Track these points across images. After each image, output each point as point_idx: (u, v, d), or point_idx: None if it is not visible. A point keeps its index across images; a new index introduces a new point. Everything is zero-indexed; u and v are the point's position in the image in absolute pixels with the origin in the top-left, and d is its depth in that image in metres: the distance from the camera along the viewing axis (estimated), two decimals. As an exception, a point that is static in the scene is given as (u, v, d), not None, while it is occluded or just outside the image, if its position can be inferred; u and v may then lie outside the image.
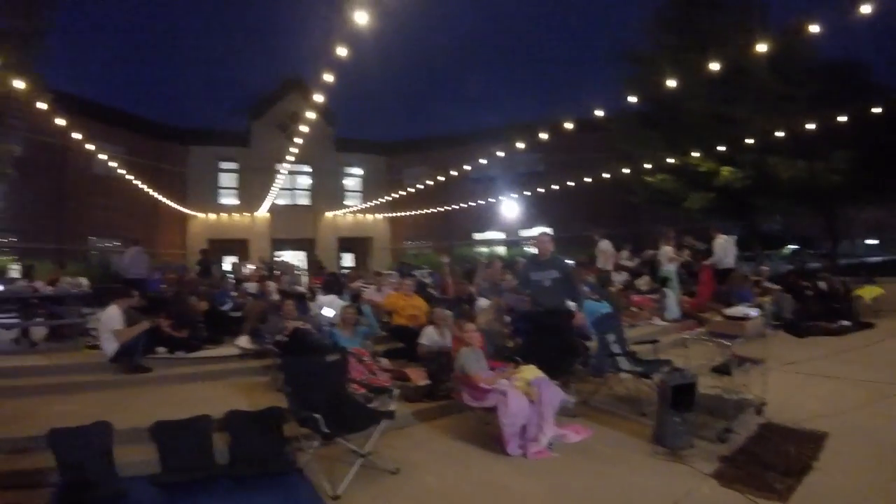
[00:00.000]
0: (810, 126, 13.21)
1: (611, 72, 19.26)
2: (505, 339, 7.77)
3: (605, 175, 18.01)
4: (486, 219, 26.47)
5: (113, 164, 15.14)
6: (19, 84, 9.15)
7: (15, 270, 15.05)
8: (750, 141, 14.62)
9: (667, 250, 12.02)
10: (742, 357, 5.75)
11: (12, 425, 5.28)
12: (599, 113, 11.76)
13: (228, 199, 27.22)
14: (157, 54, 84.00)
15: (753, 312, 6.10)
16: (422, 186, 20.57)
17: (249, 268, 16.67)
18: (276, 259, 22.20)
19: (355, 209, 28.02)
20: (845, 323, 10.47)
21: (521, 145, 13.89)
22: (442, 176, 19.03)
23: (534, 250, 7.22)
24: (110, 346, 7.16)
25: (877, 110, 12.46)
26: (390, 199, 24.67)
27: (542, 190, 20.82)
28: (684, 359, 5.93)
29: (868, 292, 11.79)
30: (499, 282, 9.78)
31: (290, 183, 27.43)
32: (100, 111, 20.88)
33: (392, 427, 5.28)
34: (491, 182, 25.89)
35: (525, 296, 7.15)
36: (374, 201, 25.95)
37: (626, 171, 17.85)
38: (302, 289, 12.28)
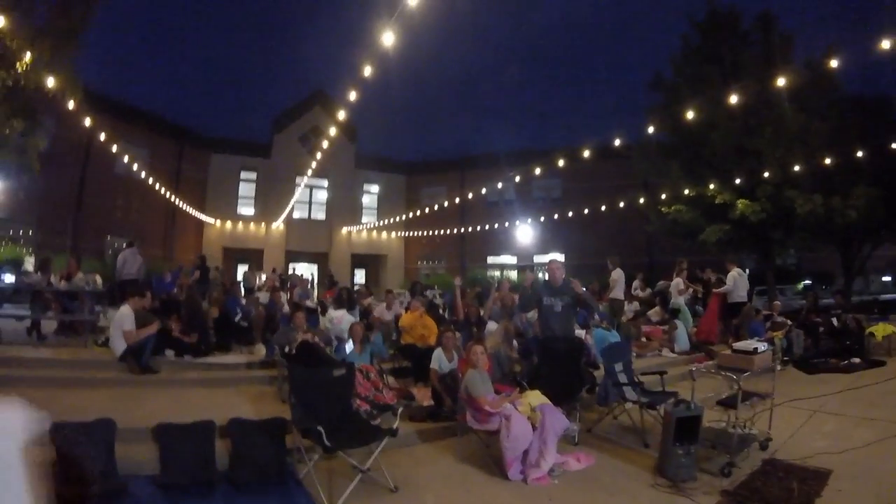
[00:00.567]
0: (829, 161, 13.16)
1: (634, 100, 19.39)
2: (513, 363, 7.75)
3: (622, 203, 18.02)
4: (500, 242, 26.49)
5: (135, 166, 15.35)
6: (52, 81, 9.36)
7: (29, 263, 15.22)
8: (768, 174, 14.59)
9: (678, 282, 11.98)
10: (749, 391, 5.71)
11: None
12: (619, 141, 11.81)
13: (246, 209, 27.50)
14: (188, 60, 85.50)
15: (762, 346, 6.04)
16: (438, 207, 20.65)
17: (262, 277, 16.76)
18: (289, 272, 22.32)
19: (371, 226, 28.14)
20: (856, 360, 10.34)
21: (538, 171, 13.96)
22: (459, 197, 19.11)
23: (546, 276, 7.24)
24: (119, 345, 7.24)
25: (896, 146, 12.36)
26: (406, 218, 24.80)
27: (558, 216, 20.82)
28: (691, 391, 5.89)
29: (881, 330, 11.61)
30: (510, 305, 9.78)
31: (308, 197, 27.66)
32: (126, 111, 21.24)
33: (394, 445, 5.27)
34: (508, 206, 26.00)
35: (528, 320, 7.15)
36: (390, 219, 26.10)
37: (642, 200, 17.85)
38: (312, 303, 12.32)
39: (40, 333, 9.30)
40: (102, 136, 11.91)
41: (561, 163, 12.78)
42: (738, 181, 15.12)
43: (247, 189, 27.80)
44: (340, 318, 9.47)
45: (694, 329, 11.64)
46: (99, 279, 11.27)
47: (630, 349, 7.82)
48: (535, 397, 5.48)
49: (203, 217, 24.75)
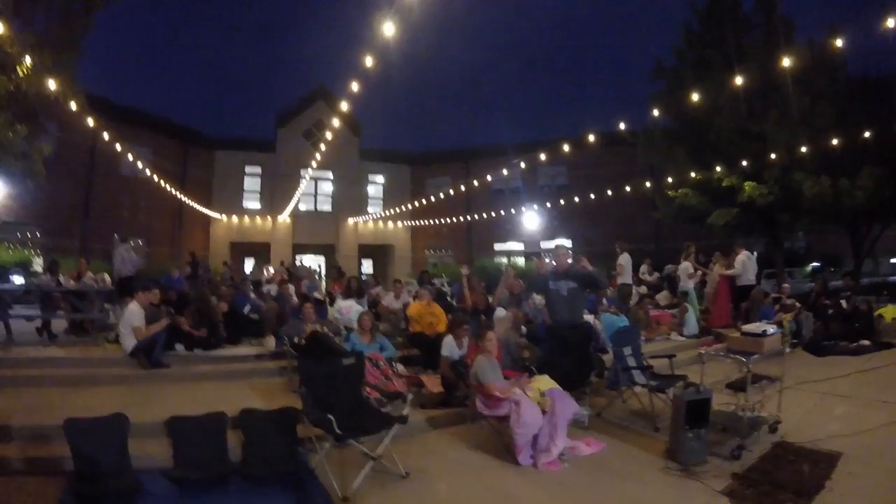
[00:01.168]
0: (836, 142, 13.06)
1: (638, 87, 19.26)
2: (521, 349, 7.76)
3: (628, 189, 17.96)
4: (507, 230, 26.48)
5: (140, 165, 15.42)
6: (53, 86, 9.40)
7: (37, 265, 15.33)
8: (774, 157, 14.49)
9: (687, 266, 11.95)
10: (758, 374, 5.70)
11: (32, 414, 5.39)
12: (624, 128, 11.75)
13: (252, 203, 27.60)
14: (188, 61, 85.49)
15: (772, 329, 6.02)
16: (444, 196, 20.63)
17: (269, 270, 16.82)
18: (296, 264, 22.39)
19: (377, 217, 28.17)
20: (865, 343, 10.29)
21: (543, 158, 13.90)
22: (464, 186, 19.08)
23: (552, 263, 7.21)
24: (129, 341, 7.30)
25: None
26: (412, 208, 24.79)
27: (564, 203, 20.77)
28: (700, 375, 5.90)
29: (890, 312, 11.57)
30: (517, 293, 9.78)
31: (313, 189, 27.71)
32: (129, 113, 21.31)
33: (405, 433, 5.31)
34: (513, 194, 25.94)
35: (537, 306, 7.14)
36: (396, 210, 26.14)
37: (648, 185, 17.77)
38: (320, 295, 12.36)
39: (51, 333, 9.37)
40: (106, 138, 11.93)
41: (566, 149, 12.69)
42: (744, 164, 15.01)
43: (252, 184, 27.88)
44: (349, 308, 9.51)
45: (702, 313, 11.62)
46: (108, 278, 11.34)
47: (639, 333, 7.79)
48: (545, 383, 5.49)
49: (210, 213, 24.84)
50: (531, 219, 24.87)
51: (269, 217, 26.87)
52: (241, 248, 26.36)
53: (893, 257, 22.71)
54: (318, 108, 26.50)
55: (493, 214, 23.61)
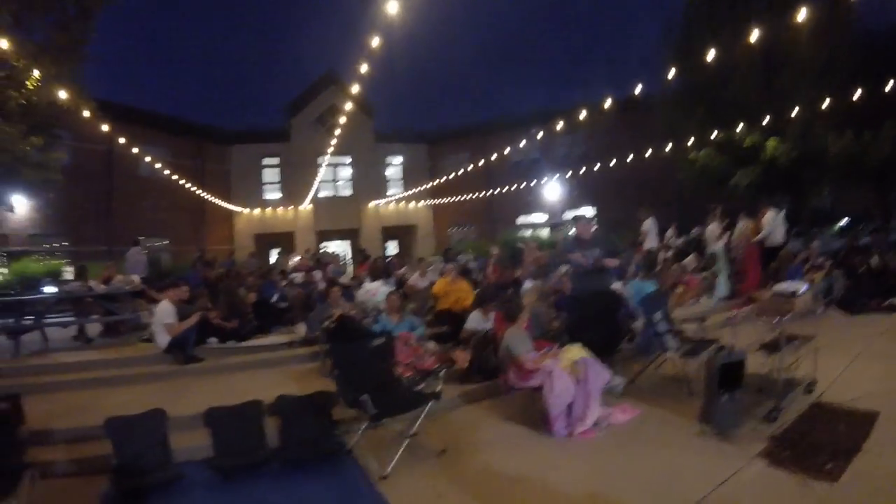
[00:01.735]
0: (857, 96, 12.68)
1: (653, 49, 18.76)
2: (550, 319, 7.76)
3: (649, 152, 17.68)
4: (529, 202, 26.22)
5: (157, 165, 15.59)
6: (62, 95, 9.50)
7: (68, 273, 15.63)
8: (795, 112, 14.16)
9: (714, 227, 11.77)
10: (791, 335, 5.61)
11: (73, 416, 5.53)
12: (641, 91, 11.51)
13: (272, 195, 27.67)
14: (196, 60, 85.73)
15: (803, 288, 5.91)
16: (463, 173, 20.51)
17: (294, 260, 16.95)
18: (321, 251, 22.53)
19: (397, 197, 28.16)
20: (897, 301, 10.05)
21: (561, 125, 13.70)
22: (483, 160, 18.94)
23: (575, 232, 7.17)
24: (163, 338, 7.44)
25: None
26: (432, 186, 24.70)
27: (584, 171, 20.52)
28: (732, 338, 5.83)
29: None
30: (544, 264, 9.76)
31: (332, 175, 27.75)
32: (142, 116, 21.45)
33: (439, 409, 5.38)
34: (533, 165, 25.69)
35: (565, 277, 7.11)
36: (417, 189, 26.07)
37: (668, 148, 17.49)
38: (345, 280, 12.44)
39: (87, 337, 9.57)
40: (122, 142, 12.10)
41: (583, 116, 12.50)
42: (765, 122, 14.69)
43: (271, 175, 27.91)
44: (376, 291, 9.58)
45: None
46: (137, 278, 11.54)
47: (667, 298, 7.70)
48: (576, 352, 5.47)
49: (231, 207, 25.01)
50: (553, 189, 24.58)
51: (290, 206, 26.99)
52: (265, 240, 26.52)
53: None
54: (330, 93, 26.35)
55: (514, 187, 23.44)
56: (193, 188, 19.37)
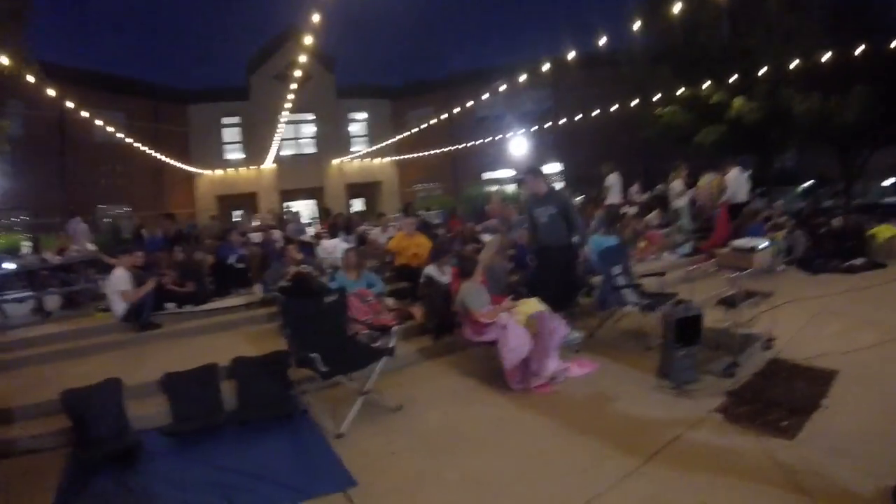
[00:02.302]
0: (825, 59, 12.70)
1: (619, 5, 18.50)
2: (507, 274, 7.73)
3: (614, 108, 17.58)
4: (494, 158, 26.02)
5: (112, 129, 15.02)
6: (3, 61, 9.04)
7: (27, 247, 15.18)
8: (762, 72, 14.16)
9: (677, 184, 11.81)
10: (750, 291, 5.64)
11: (32, 392, 5.37)
12: (607, 47, 11.33)
13: (234, 155, 26.99)
14: (148, 17, 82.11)
15: (762, 245, 5.91)
16: (427, 128, 20.19)
17: (255, 223, 16.65)
18: (285, 210, 22.16)
19: (361, 154, 27.72)
20: (858, 262, 10.25)
21: (524, 79, 13.47)
22: (447, 115, 18.65)
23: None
24: (119, 306, 7.26)
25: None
26: (396, 142, 24.35)
27: (550, 126, 20.40)
28: (691, 293, 5.84)
29: (883, 231, 11.49)
30: (509, 218, 9.71)
31: (295, 133, 27.14)
32: (94, 79, 20.63)
33: (396, 365, 5.38)
34: (498, 120, 25.45)
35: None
36: (380, 145, 25.64)
37: (634, 104, 17.42)
38: (307, 237, 12.24)
39: (45, 311, 9.30)
40: (72, 106, 11.59)
41: (547, 69, 12.29)
42: (731, 80, 14.69)
43: (231, 135, 27.17)
44: (334, 247, 9.45)
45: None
46: (93, 247, 11.19)
47: (628, 252, 7.69)
48: (531, 305, 5.46)
49: (191, 169, 24.33)
50: (518, 144, 24.42)
51: (253, 166, 26.39)
52: (228, 201, 25.97)
53: (883, 179, 22.44)
54: (290, 48, 25.47)
55: (480, 142, 23.22)
56: (151, 152, 18.71)
